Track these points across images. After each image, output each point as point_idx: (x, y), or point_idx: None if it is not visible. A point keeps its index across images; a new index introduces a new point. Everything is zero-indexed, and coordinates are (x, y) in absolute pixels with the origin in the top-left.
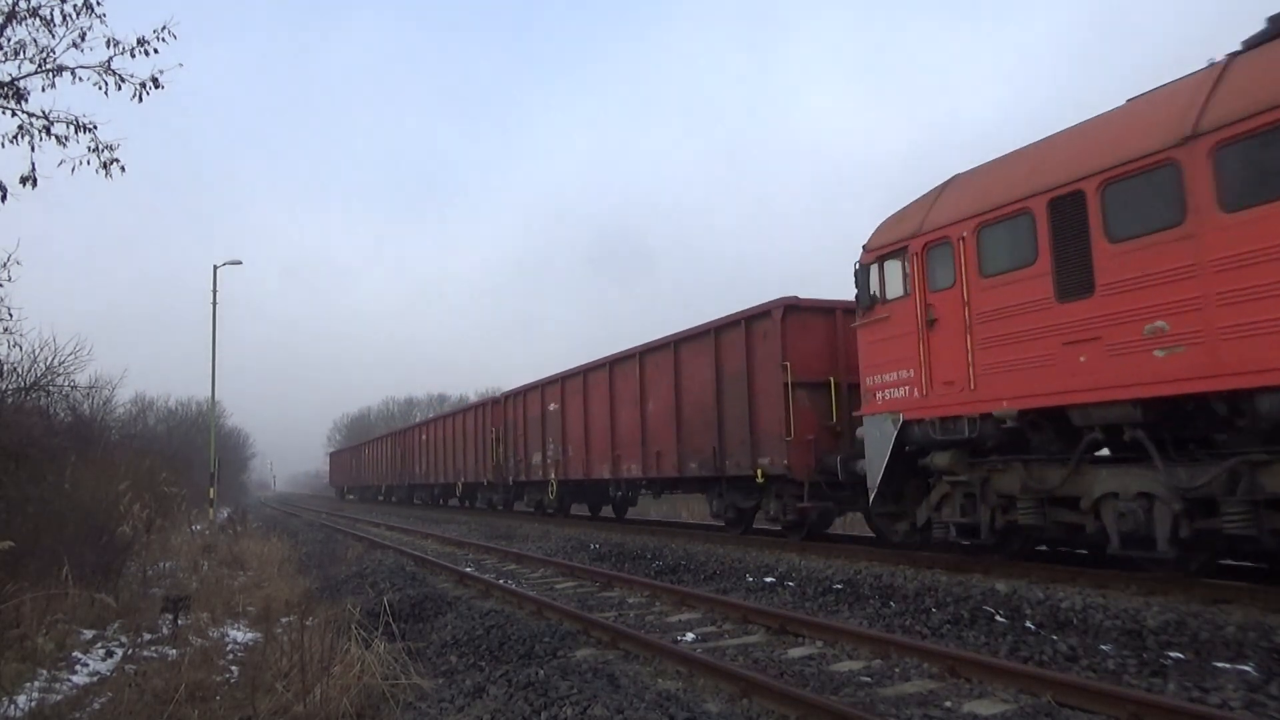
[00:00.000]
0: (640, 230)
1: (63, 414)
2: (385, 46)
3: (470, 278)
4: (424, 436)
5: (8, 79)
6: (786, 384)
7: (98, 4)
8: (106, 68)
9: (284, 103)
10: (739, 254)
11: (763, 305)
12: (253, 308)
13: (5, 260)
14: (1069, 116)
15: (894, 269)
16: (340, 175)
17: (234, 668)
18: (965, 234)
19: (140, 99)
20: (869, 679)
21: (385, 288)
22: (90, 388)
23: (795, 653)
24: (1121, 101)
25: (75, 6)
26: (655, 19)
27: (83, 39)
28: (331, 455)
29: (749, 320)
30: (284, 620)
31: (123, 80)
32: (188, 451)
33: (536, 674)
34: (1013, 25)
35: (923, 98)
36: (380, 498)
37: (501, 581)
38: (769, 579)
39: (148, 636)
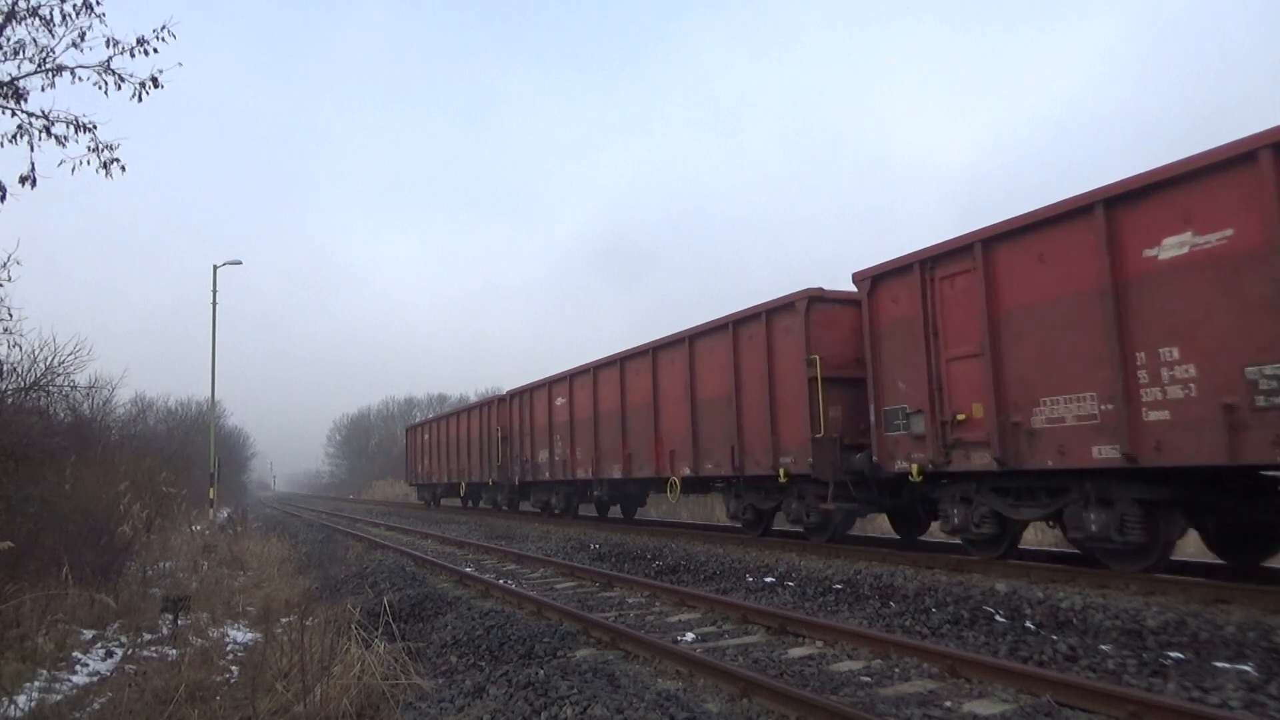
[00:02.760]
0: (646, 237)
1: (63, 414)
2: (388, 44)
3: (473, 283)
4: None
5: (7, 79)
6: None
7: (97, 4)
8: (106, 67)
9: (284, 96)
10: (804, 250)
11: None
12: (253, 307)
13: (5, 260)
14: (1132, 113)
15: None
16: (341, 176)
17: (234, 668)
18: None
19: (140, 99)
20: (869, 679)
21: (386, 289)
22: (90, 388)
23: (795, 653)
24: None
25: (75, 6)
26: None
27: (82, 39)
28: (409, 430)
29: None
30: (284, 620)
31: (122, 80)
32: (188, 452)
33: (536, 674)
34: (1082, 19)
35: (989, 101)
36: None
37: (501, 581)
38: (769, 579)
39: (148, 636)
